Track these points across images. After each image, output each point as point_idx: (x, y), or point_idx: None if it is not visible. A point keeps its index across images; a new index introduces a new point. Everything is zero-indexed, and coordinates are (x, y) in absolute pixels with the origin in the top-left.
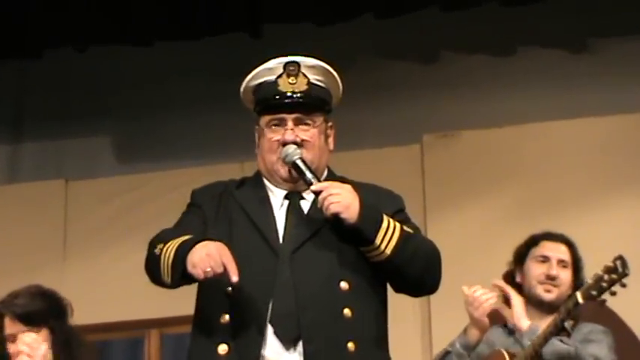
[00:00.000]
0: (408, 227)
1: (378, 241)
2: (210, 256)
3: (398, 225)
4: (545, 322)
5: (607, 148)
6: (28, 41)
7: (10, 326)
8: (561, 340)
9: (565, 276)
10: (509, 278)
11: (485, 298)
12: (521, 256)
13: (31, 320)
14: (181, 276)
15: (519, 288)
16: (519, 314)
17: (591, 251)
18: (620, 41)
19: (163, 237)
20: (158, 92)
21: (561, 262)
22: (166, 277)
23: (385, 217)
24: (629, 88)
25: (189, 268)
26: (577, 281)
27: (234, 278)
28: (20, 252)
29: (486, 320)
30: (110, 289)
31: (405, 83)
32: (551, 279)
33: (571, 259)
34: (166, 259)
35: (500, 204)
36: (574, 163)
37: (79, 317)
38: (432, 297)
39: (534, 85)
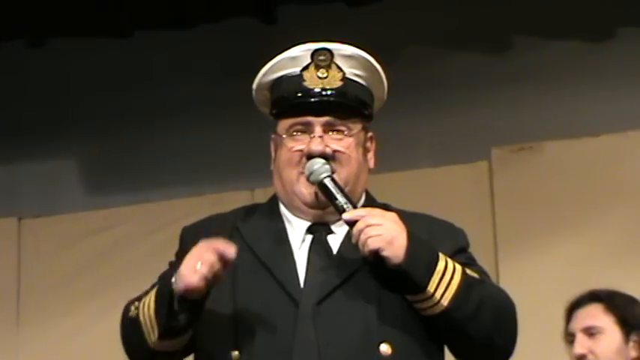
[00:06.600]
0: (472, 271)
1: (431, 288)
2: (192, 256)
3: (459, 267)
4: None
5: None
6: None
7: None
8: None
9: (601, 345)
10: None
11: None
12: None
13: None
14: (170, 317)
15: None
16: None
17: None
18: None
19: (137, 297)
20: (140, 98)
21: (587, 331)
22: (152, 332)
23: (442, 257)
24: None
25: (183, 291)
26: (632, 332)
27: (232, 253)
28: None
29: None
30: None
31: (468, 82)
32: (581, 359)
33: (608, 314)
34: (147, 312)
35: (596, 236)
36: None
37: None
38: None
39: (638, 80)
